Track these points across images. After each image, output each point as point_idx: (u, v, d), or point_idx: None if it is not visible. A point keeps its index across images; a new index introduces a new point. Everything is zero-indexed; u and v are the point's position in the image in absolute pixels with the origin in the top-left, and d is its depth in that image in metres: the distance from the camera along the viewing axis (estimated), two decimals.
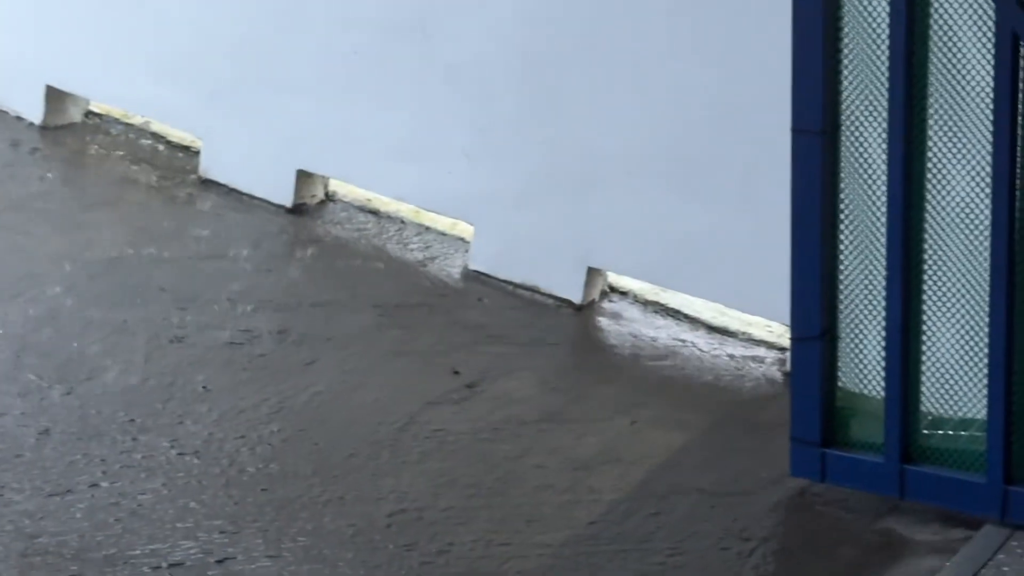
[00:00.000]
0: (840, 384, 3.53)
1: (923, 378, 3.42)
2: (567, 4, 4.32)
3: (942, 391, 3.42)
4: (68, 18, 5.30)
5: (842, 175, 3.43)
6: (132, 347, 4.08)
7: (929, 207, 3.36)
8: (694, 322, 4.38)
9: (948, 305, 3.38)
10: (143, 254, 4.59)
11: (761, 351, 4.24)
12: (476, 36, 4.47)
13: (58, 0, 5.31)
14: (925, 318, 3.40)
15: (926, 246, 3.37)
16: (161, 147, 5.28)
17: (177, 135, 5.29)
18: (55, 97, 5.40)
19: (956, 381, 3.40)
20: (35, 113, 5.40)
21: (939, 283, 3.37)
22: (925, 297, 3.39)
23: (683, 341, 4.30)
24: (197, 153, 5.14)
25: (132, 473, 3.56)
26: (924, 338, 3.41)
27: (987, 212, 3.28)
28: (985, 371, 3.34)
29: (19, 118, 5.41)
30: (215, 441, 3.70)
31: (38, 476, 3.53)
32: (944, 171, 3.33)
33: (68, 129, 5.38)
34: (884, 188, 3.36)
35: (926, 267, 3.38)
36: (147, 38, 5.14)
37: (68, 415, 3.76)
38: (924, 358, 3.42)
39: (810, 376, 3.53)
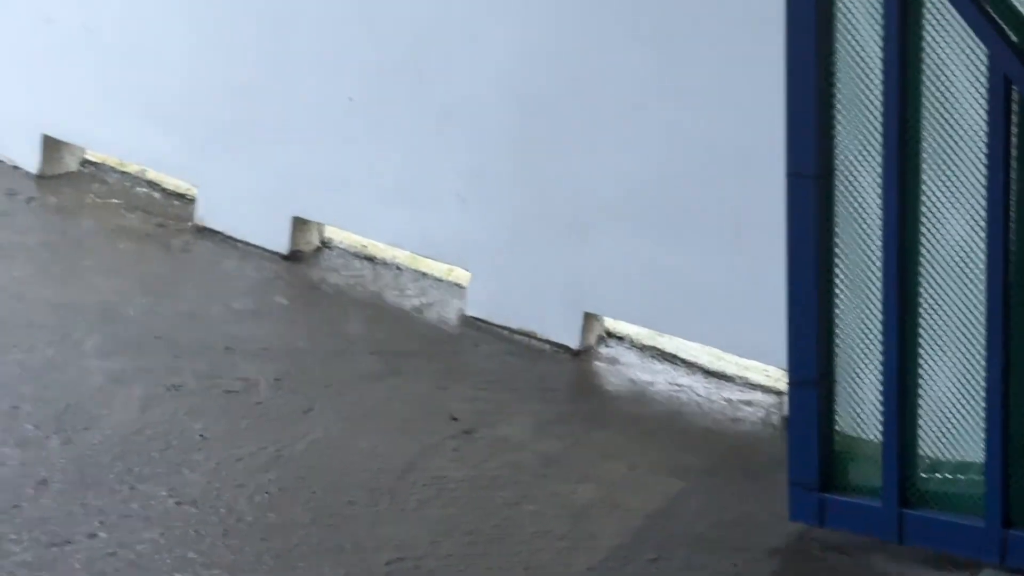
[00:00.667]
0: (838, 428, 3.53)
1: (920, 421, 3.43)
2: (560, 48, 4.34)
3: (940, 434, 3.42)
4: (64, 67, 5.31)
5: (837, 218, 3.44)
6: (129, 396, 4.07)
7: (924, 250, 3.37)
8: (691, 366, 4.38)
9: (944, 348, 3.39)
10: (139, 303, 4.59)
11: (758, 395, 4.24)
12: (470, 79, 4.49)
13: (54, 50, 5.33)
14: (922, 361, 3.40)
15: (922, 289, 3.38)
16: (157, 195, 5.28)
17: (173, 183, 5.30)
18: (51, 146, 5.41)
19: (953, 424, 3.40)
20: (31, 162, 5.41)
21: (935, 326, 3.38)
22: (921, 340, 3.39)
23: (680, 385, 4.30)
24: (193, 201, 5.15)
25: (130, 523, 3.55)
26: (921, 381, 3.41)
27: (982, 254, 3.29)
28: (982, 414, 3.34)
29: (15, 167, 5.42)
30: (213, 490, 3.70)
31: (36, 526, 3.52)
32: (939, 213, 3.34)
33: (64, 178, 5.39)
34: (879, 231, 3.37)
35: (922, 310, 3.39)
36: (142, 87, 5.16)
37: (66, 465, 3.75)
38: (921, 401, 3.42)
39: (807, 420, 3.53)
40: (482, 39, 4.46)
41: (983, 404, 3.33)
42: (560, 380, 4.34)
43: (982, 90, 3.23)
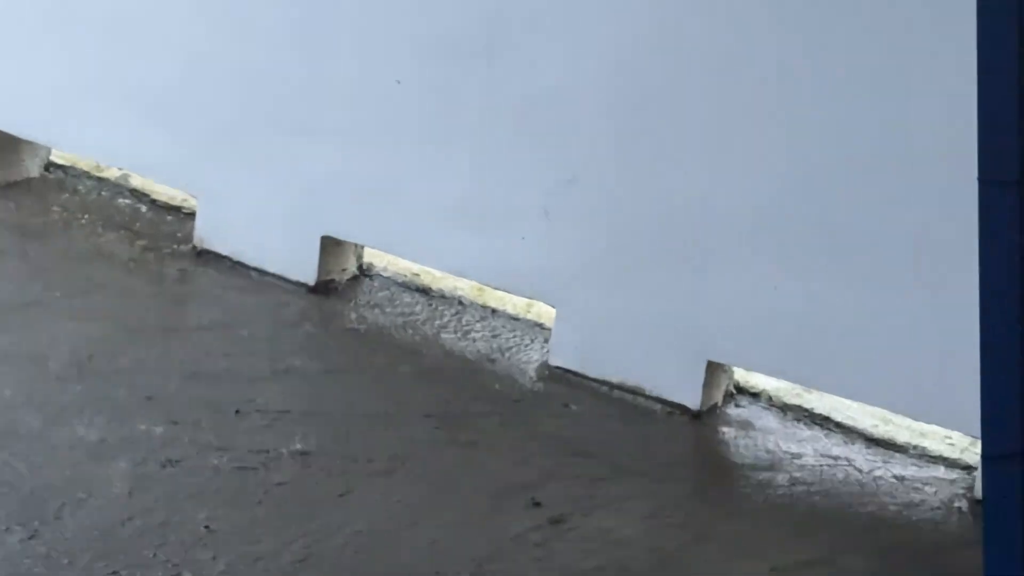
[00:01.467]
0: None
1: None
2: (678, 29, 4.33)
3: None
4: (21, 48, 5.36)
5: None
6: (112, 475, 4.08)
7: None
8: (849, 432, 4.38)
9: None
10: (123, 352, 4.62)
11: (939, 471, 4.23)
12: (557, 62, 4.50)
13: (8, 27, 5.37)
14: None
15: None
16: (144, 208, 5.33)
17: (164, 193, 5.34)
18: (7, 145, 5.46)
19: None
20: None
21: None
22: None
23: (835, 458, 4.29)
24: (191, 216, 5.18)
25: None
26: None
27: None
28: None
29: None
30: None
31: None
32: None
33: (23, 186, 5.44)
34: None
35: None
36: (125, 70, 5.19)
37: (31, 566, 3.76)
38: None
39: (1008, 504, 3.50)
40: (575, 12, 4.46)
41: None
42: (676, 452, 4.34)
43: None
